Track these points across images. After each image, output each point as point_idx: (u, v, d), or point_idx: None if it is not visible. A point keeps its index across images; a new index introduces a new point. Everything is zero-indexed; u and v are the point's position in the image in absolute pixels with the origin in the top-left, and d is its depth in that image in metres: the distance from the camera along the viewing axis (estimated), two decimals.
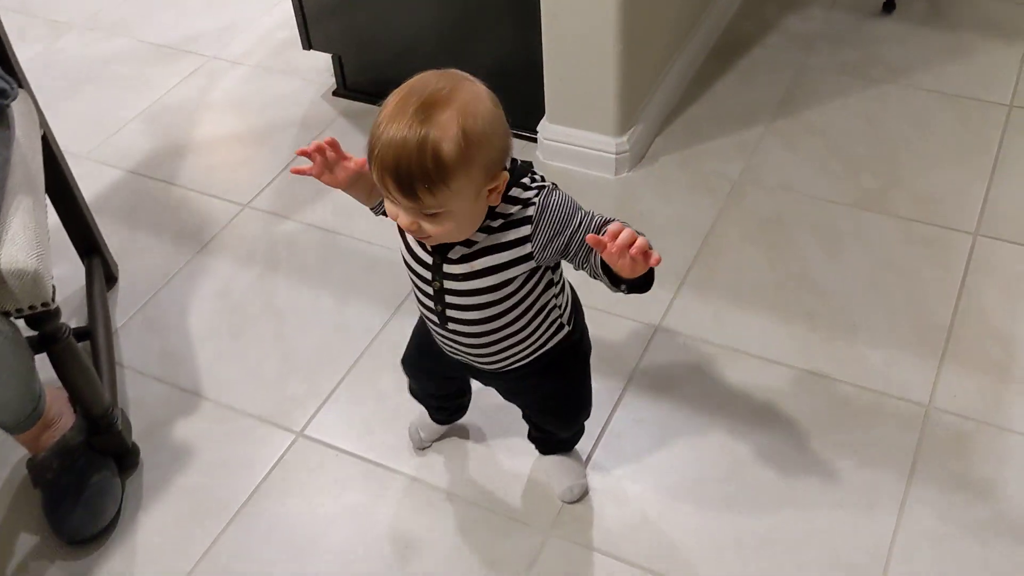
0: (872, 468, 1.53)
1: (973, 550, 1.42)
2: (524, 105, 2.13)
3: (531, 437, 1.54)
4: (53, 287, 1.36)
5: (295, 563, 1.48)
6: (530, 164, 1.12)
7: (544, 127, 2.12)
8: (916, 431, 1.57)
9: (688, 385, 1.68)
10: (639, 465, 1.56)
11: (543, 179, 1.12)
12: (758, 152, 2.14)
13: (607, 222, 1.07)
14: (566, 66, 1.99)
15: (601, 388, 1.67)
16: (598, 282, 1.12)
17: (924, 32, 2.43)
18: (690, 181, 2.08)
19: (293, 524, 1.53)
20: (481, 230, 1.08)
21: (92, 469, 1.55)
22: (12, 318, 1.34)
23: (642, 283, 1.08)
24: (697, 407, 1.64)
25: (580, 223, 1.08)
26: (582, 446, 1.56)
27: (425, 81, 1.00)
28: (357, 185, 1.19)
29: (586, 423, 1.50)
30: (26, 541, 1.55)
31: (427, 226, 1.03)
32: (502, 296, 1.14)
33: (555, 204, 1.08)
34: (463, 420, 1.61)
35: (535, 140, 2.17)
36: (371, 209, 1.25)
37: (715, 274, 1.87)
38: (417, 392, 1.53)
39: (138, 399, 1.73)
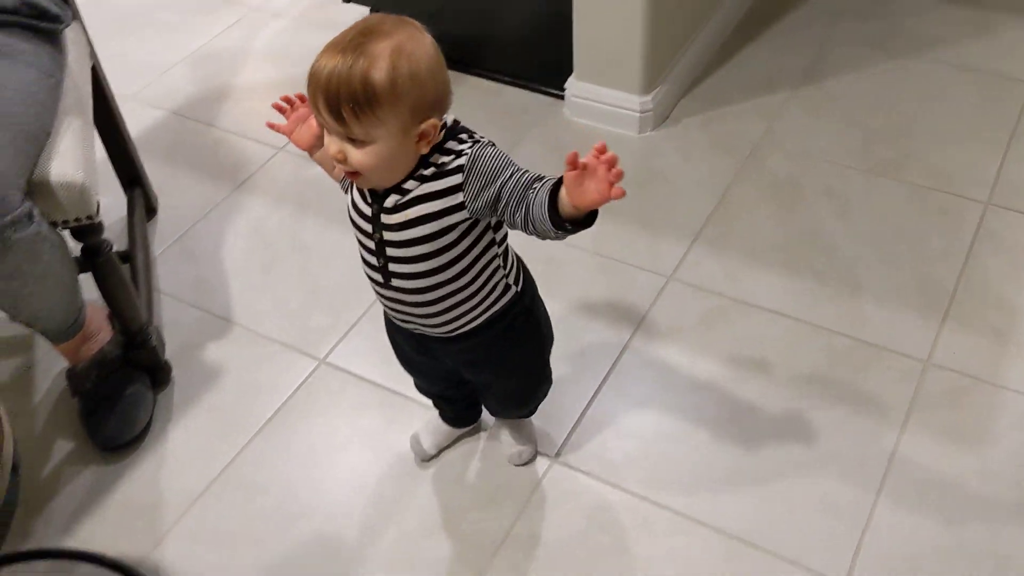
0: (867, 418, 1.59)
1: (960, 497, 1.48)
2: (552, 63, 2.20)
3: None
4: (98, 202, 1.46)
5: (312, 477, 1.57)
6: (465, 128, 1.13)
7: (572, 84, 2.19)
8: (912, 384, 1.63)
9: (695, 333, 1.74)
10: (643, 403, 1.64)
11: (482, 138, 1.12)
12: (779, 117, 2.19)
13: (538, 177, 1.09)
14: (595, 25, 2.05)
15: (611, 333, 1.75)
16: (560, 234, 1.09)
17: (949, 8, 2.46)
18: (711, 142, 2.14)
19: (312, 442, 1.62)
20: (414, 179, 1.10)
21: (127, 382, 1.65)
22: (59, 229, 1.44)
23: (587, 218, 1.06)
24: (702, 353, 1.71)
25: (512, 175, 1.08)
26: (582, 390, 1.63)
27: (372, 18, 1.04)
28: (323, 150, 1.17)
29: (552, 394, 1.53)
30: (63, 447, 1.65)
31: (352, 153, 1.04)
32: (439, 247, 1.14)
33: (488, 156, 1.09)
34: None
35: (562, 98, 2.24)
36: (340, 184, 1.24)
37: (730, 231, 1.93)
38: (422, 387, 1.54)
39: (172, 321, 1.83)
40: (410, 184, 1.10)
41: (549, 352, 1.42)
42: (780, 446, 1.57)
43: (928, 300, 1.77)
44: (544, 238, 1.11)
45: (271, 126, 1.24)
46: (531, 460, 1.57)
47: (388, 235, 1.14)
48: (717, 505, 1.49)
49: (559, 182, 1.05)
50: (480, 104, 2.28)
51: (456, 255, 1.15)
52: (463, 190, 1.09)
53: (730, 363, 1.69)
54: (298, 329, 1.81)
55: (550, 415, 1.61)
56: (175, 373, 1.74)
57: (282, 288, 1.89)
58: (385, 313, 1.32)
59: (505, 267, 1.24)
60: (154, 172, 2.09)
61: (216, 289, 1.90)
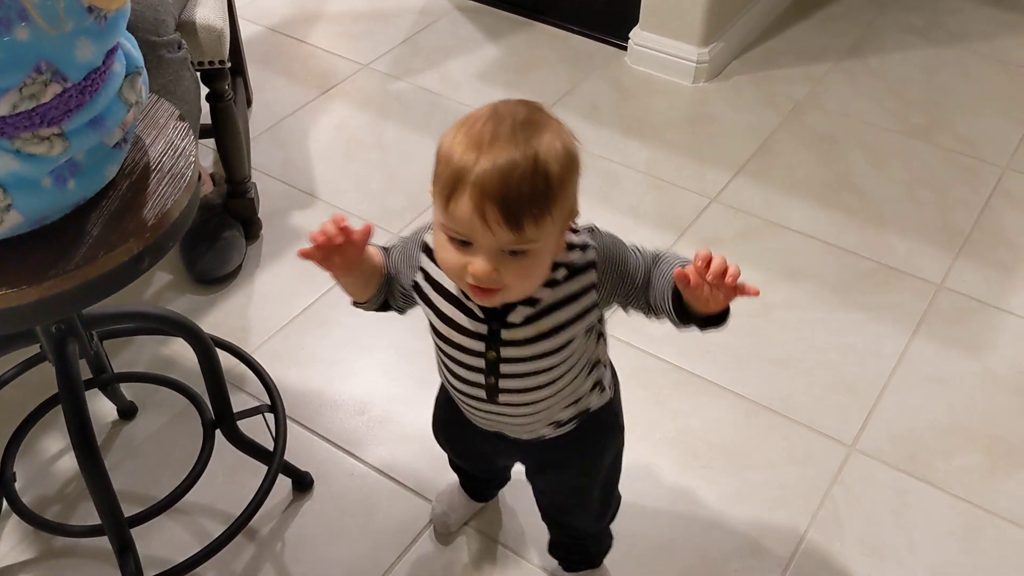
0: (882, 323, 1.77)
1: (961, 391, 1.65)
2: (618, 15, 2.42)
3: (552, 550, 1.37)
4: (227, 50, 1.66)
5: (381, 325, 1.76)
6: None
7: (636, 34, 2.40)
8: (925, 301, 1.81)
9: (731, 244, 1.94)
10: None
11: (589, 225, 1.00)
12: (823, 83, 2.39)
13: (656, 254, 0.99)
14: None
15: (655, 237, 1.94)
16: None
17: (988, 9, 2.67)
18: (758, 97, 2.34)
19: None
20: (545, 285, 0.95)
21: (225, 226, 1.85)
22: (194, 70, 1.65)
23: (719, 317, 0.94)
24: (736, 259, 1.89)
25: (638, 261, 0.99)
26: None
27: (507, 107, 0.88)
28: (360, 267, 0.99)
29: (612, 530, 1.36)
30: (162, 278, 1.85)
31: (509, 270, 0.88)
32: (564, 358, 1.01)
33: (612, 242, 0.98)
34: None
35: (625, 48, 2.45)
36: (357, 304, 1.06)
37: (770, 168, 2.13)
38: (460, 466, 1.39)
39: (262, 191, 2.03)
40: (541, 292, 0.95)
41: (619, 470, 1.27)
42: (802, 333, 1.75)
43: (946, 237, 1.95)
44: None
45: (304, 254, 0.93)
46: None
47: (509, 351, 0.99)
48: (742, 376, 1.68)
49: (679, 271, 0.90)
50: (549, 48, 2.49)
51: (576, 360, 1.03)
52: (597, 288, 0.97)
53: (761, 269, 1.87)
54: (376, 207, 2.00)
55: None
56: (264, 231, 1.94)
57: (363, 173, 2.09)
58: (449, 406, 1.16)
59: (606, 364, 1.13)
60: (250, 74, 2.30)
61: (302, 170, 2.10)
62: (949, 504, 1.48)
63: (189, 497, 1.40)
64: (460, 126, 0.87)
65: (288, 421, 1.48)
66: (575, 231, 0.97)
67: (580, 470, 1.19)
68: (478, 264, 0.87)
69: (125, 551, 1.25)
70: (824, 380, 1.67)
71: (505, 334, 0.97)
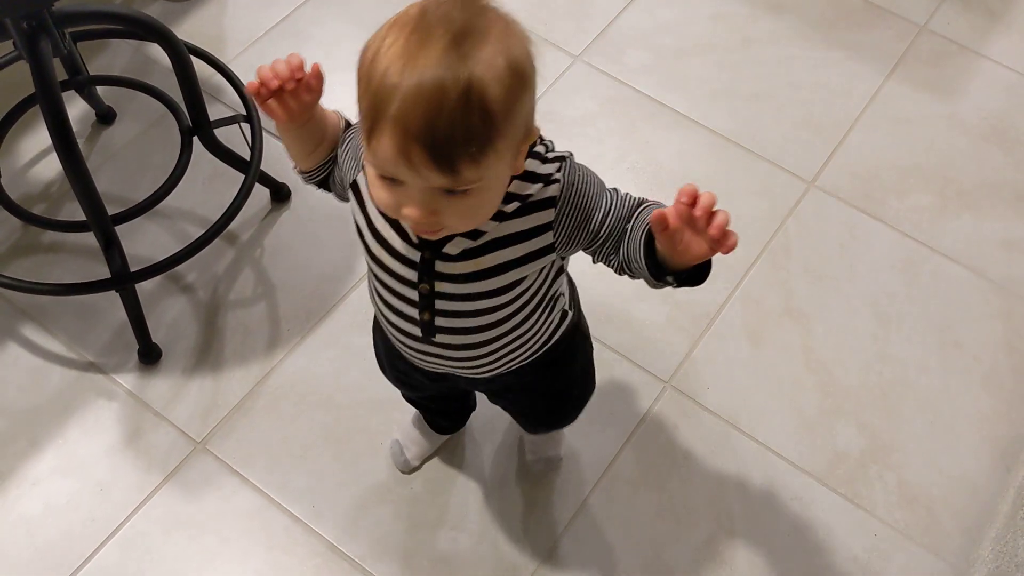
0: (860, 62, 1.78)
1: (925, 133, 1.69)
2: None
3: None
4: None
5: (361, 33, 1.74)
6: (540, 136, 0.83)
7: None
8: (906, 42, 1.81)
9: None
10: (666, 26, 1.81)
11: (564, 152, 0.84)
12: None
13: (641, 203, 0.85)
14: None
15: None
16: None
17: None
18: None
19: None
20: (492, 218, 0.80)
21: None
22: None
23: (698, 273, 0.80)
24: None
25: (611, 204, 0.84)
26: None
27: (441, 7, 0.70)
28: (308, 125, 0.85)
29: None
30: None
31: (449, 212, 0.74)
32: (510, 298, 0.87)
33: (581, 180, 0.83)
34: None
35: None
36: (302, 173, 0.91)
37: None
38: (414, 399, 1.26)
39: None
40: (486, 224, 0.81)
41: (592, 357, 1.15)
42: (778, 69, 1.76)
43: None
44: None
45: (253, 92, 0.79)
46: (553, 469, 1.34)
47: (444, 287, 0.86)
48: (714, 110, 1.70)
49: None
50: None
51: (526, 300, 0.89)
52: (553, 228, 0.83)
53: (745, 2, 1.85)
54: None
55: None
56: None
57: None
58: (390, 343, 1.01)
59: (565, 293, 0.99)
60: None
61: None
62: (896, 240, 1.56)
63: (169, 202, 1.45)
64: (383, 35, 0.70)
65: (264, 134, 1.52)
66: (544, 157, 0.82)
67: (547, 391, 1.09)
68: (410, 210, 0.73)
69: (110, 246, 1.31)
70: (794, 117, 1.70)
71: (440, 266, 0.84)
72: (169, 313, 1.45)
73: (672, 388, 1.40)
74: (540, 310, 0.93)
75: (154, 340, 1.40)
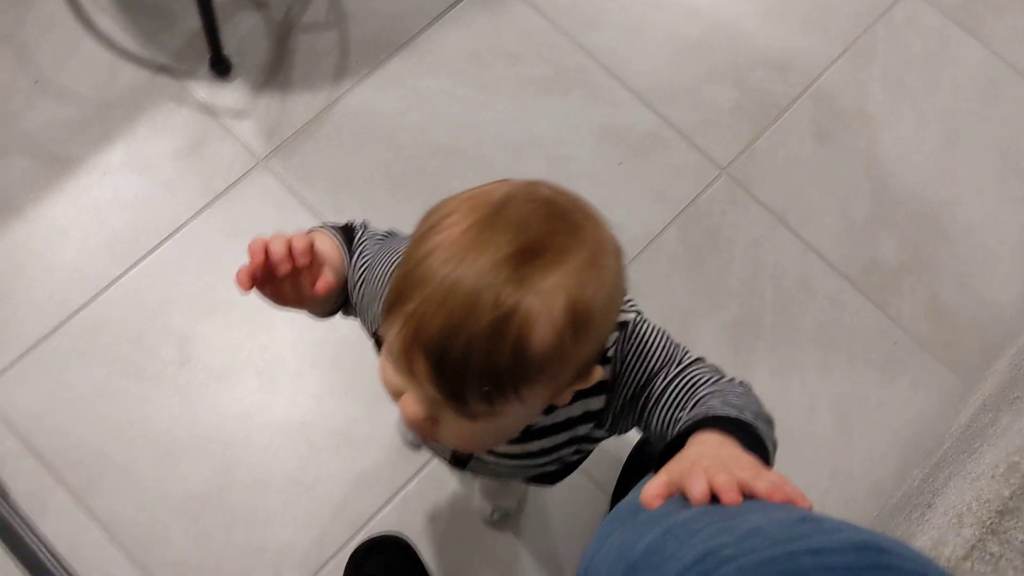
0: None
1: None
2: None
3: None
4: None
5: None
6: None
7: None
8: None
9: None
10: None
11: (631, 306, 0.72)
12: None
13: (695, 361, 0.71)
14: None
15: None
16: None
17: None
18: None
19: None
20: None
21: None
22: None
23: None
24: None
25: (666, 380, 0.69)
26: None
27: (524, 206, 0.57)
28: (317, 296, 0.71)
29: None
30: None
31: (451, 430, 0.62)
32: (553, 458, 0.78)
33: (634, 355, 0.70)
34: None
35: None
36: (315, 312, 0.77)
37: None
38: None
39: None
40: None
41: None
42: None
43: None
44: None
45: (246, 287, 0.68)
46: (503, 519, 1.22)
47: (479, 463, 0.81)
48: None
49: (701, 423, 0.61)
50: None
51: (567, 453, 0.79)
52: (605, 413, 0.71)
53: None
54: None
55: None
56: None
57: None
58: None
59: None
60: None
61: None
62: (984, 58, 1.51)
63: None
64: (455, 207, 0.58)
65: None
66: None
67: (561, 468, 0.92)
68: (407, 404, 0.60)
69: None
70: None
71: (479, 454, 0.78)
72: (242, 27, 1.45)
73: (727, 175, 1.41)
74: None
75: (225, 52, 1.41)
